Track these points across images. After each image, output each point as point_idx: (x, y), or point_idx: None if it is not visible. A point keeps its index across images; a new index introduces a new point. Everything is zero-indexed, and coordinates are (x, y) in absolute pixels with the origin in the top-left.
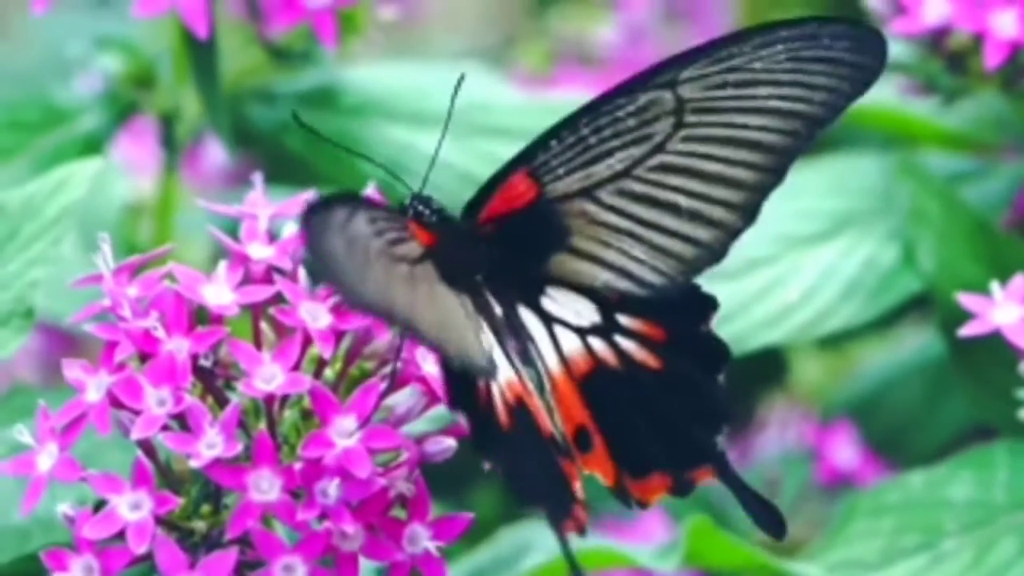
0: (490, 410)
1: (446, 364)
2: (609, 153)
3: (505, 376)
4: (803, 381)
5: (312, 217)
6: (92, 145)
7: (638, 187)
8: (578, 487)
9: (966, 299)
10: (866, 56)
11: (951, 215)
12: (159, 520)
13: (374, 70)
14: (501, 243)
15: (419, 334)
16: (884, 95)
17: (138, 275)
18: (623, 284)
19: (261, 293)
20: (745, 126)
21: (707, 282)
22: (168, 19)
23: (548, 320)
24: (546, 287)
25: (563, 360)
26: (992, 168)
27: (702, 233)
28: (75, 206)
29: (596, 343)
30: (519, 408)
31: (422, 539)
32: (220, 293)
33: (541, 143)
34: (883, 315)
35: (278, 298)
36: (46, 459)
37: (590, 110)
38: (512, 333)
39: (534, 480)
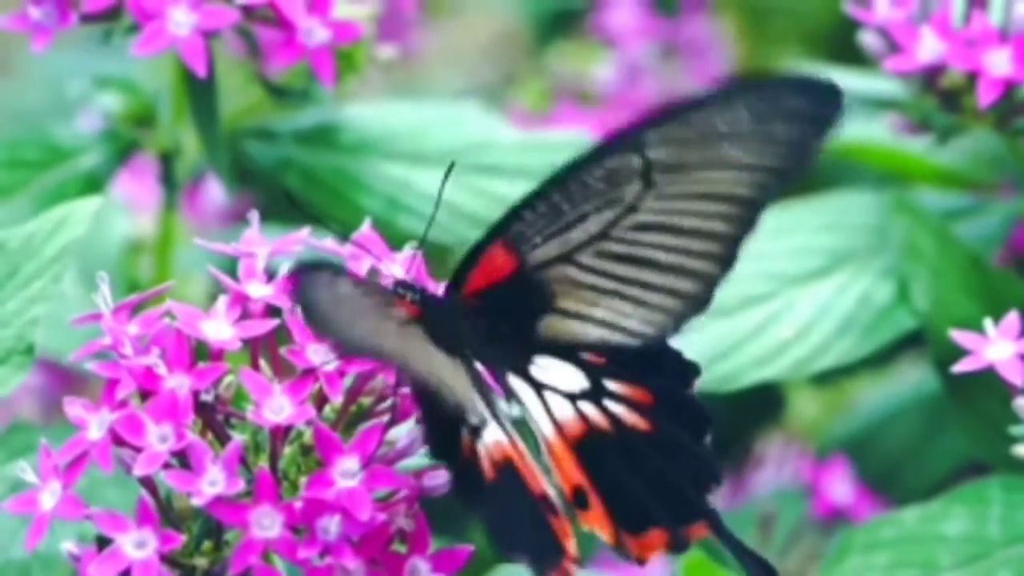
0: (473, 461)
1: (430, 411)
2: (583, 218)
3: (492, 438)
4: (799, 417)
5: (299, 276)
6: (93, 183)
7: (617, 247)
8: (571, 544)
9: (960, 336)
10: (824, 107)
11: (945, 252)
12: (163, 558)
13: (373, 108)
14: (487, 315)
15: (414, 373)
16: (878, 133)
17: (137, 313)
18: (615, 338)
19: (261, 327)
20: (714, 180)
21: (705, 319)
22: (168, 58)
23: (538, 387)
24: (534, 356)
25: (556, 425)
26: (986, 205)
27: (684, 284)
28: (75, 244)
29: (587, 408)
30: (506, 467)
31: (423, 572)
32: (220, 329)
33: (515, 214)
34: (878, 351)
35: (277, 334)
36: (49, 497)
37: (560, 178)
38: (503, 399)
39: (517, 529)
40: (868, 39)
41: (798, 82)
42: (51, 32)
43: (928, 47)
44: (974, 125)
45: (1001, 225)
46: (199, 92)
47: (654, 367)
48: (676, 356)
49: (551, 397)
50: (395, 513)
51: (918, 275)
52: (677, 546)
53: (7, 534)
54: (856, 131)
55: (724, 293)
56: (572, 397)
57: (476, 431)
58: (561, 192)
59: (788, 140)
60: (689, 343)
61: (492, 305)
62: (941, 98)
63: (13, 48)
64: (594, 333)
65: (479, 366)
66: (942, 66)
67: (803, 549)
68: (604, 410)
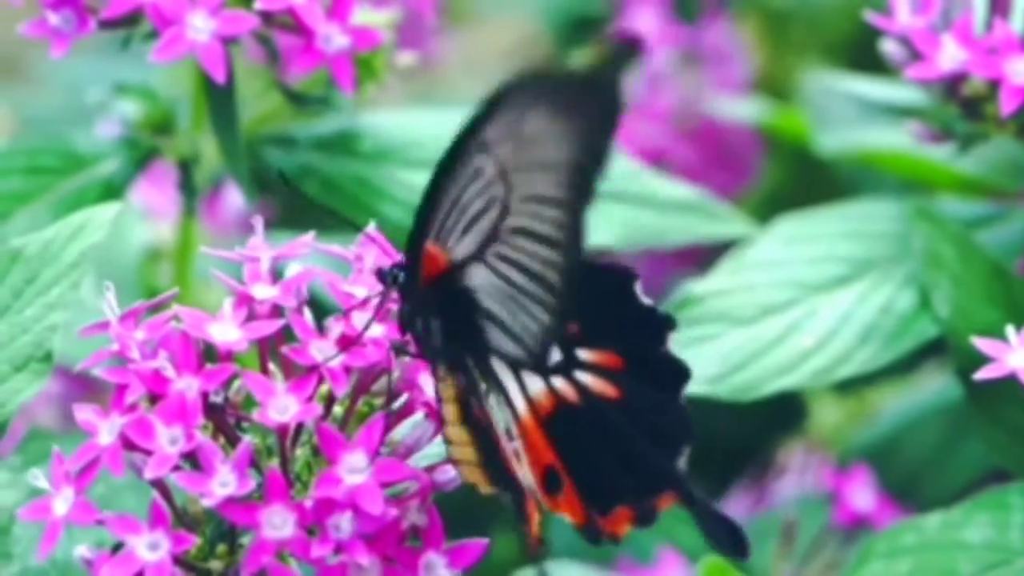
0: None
1: None
2: (477, 218)
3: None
4: (821, 425)
5: None
6: (112, 190)
7: (510, 252)
8: (535, 525)
9: (982, 343)
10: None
11: (967, 260)
12: (176, 560)
13: (392, 115)
14: (451, 300)
15: None
16: (900, 141)
17: (146, 319)
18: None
19: (268, 328)
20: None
21: (725, 328)
22: (186, 64)
23: (515, 366)
24: None
25: (529, 402)
26: (1008, 213)
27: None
28: (93, 251)
29: (557, 381)
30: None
31: (438, 567)
32: (226, 331)
33: (421, 213)
34: (900, 360)
35: (284, 334)
36: (62, 503)
37: (432, 182)
38: (480, 384)
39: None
40: (889, 47)
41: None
42: (70, 38)
43: (949, 55)
44: (996, 133)
45: (1022, 233)
46: (218, 99)
47: (628, 328)
48: (649, 312)
49: (527, 375)
50: (407, 509)
51: (940, 283)
52: (644, 519)
53: (25, 542)
54: (878, 139)
55: (744, 302)
56: (545, 372)
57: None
58: (453, 187)
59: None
60: (709, 352)
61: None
62: (963, 106)
63: (31, 54)
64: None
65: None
66: (964, 74)
67: (825, 557)
68: (573, 381)
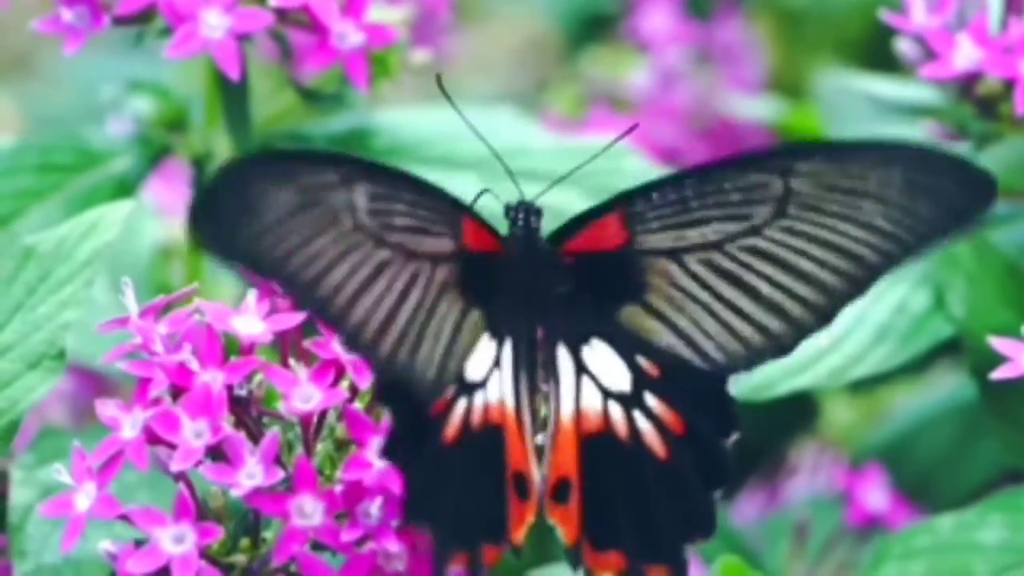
0: (438, 419)
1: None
2: (706, 221)
3: (489, 398)
4: (834, 425)
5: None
6: (124, 187)
7: (725, 263)
8: (519, 534)
9: (998, 343)
10: (975, 198)
11: (982, 260)
12: (200, 554)
13: (406, 113)
14: (574, 278)
15: (332, 318)
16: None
17: (165, 314)
18: (686, 352)
19: (291, 320)
20: (845, 234)
21: None
22: (200, 61)
23: (580, 369)
24: (593, 337)
25: (577, 410)
26: (1023, 213)
27: (775, 324)
28: (106, 248)
29: (615, 410)
30: (484, 434)
31: None
32: (251, 323)
33: (643, 192)
34: (914, 359)
35: (306, 327)
36: (84, 499)
37: (699, 173)
38: (537, 367)
39: (447, 500)
40: (904, 46)
41: (960, 162)
42: (84, 35)
43: (964, 54)
44: (1010, 132)
45: None
46: (232, 96)
47: (701, 402)
48: (727, 402)
49: (587, 383)
50: None
51: (954, 283)
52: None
53: (39, 539)
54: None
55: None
56: (607, 393)
57: (467, 389)
58: (695, 188)
59: (929, 219)
60: None
61: (582, 271)
62: (977, 105)
63: (43, 51)
64: (666, 339)
65: (538, 325)
66: (978, 73)
67: (838, 557)
68: (630, 420)
